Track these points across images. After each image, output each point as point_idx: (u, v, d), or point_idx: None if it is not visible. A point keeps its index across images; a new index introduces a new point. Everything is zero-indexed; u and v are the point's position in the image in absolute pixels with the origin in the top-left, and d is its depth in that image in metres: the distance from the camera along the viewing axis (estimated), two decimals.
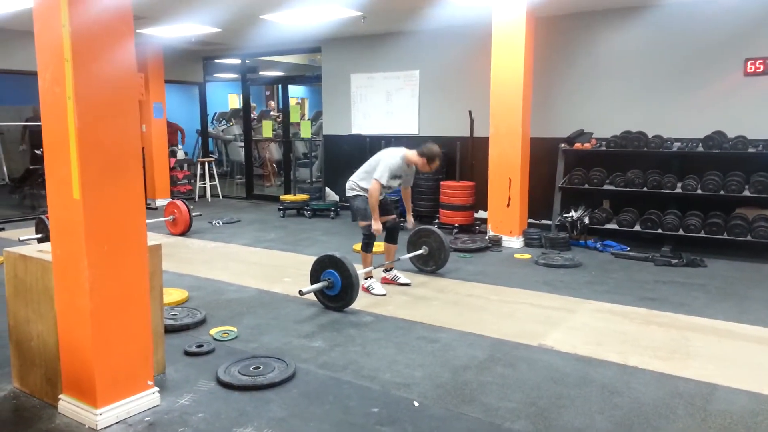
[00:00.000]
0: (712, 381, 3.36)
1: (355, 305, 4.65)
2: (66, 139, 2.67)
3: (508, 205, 6.97)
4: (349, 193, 5.18)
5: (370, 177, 4.94)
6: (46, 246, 3.16)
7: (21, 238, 6.55)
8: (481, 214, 7.77)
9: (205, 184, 10.96)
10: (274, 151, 12.68)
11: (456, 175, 7.86)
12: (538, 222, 7.48)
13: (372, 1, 6.47)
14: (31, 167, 10.02)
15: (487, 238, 7.00)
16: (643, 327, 4.25)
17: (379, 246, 5.41)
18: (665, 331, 4.17)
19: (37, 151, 9.88)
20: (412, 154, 5.00)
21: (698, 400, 3.14)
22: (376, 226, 4.90)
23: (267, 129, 10.81)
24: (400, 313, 4.58)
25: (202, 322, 4.30)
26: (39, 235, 6.52)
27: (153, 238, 3.21)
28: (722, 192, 6.11)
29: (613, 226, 6.73)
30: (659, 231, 6.41)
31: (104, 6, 2.69)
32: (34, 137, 10.25)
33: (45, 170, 2.85)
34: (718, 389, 3.27)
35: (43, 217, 6.58)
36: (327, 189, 9.47)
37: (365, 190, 4.98)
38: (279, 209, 9.20)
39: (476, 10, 6.82)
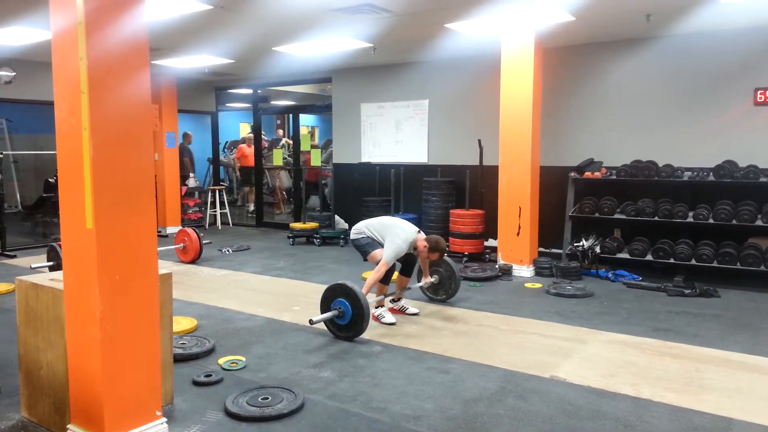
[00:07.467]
0: (728, 415, 3.29)
1: (365, 334, 4.62)
2: (81, 169, 2.70)
3: (518, 234, 6.96)
4: (353, 236, 5.30)
5: (379, 235, 5.13)
6: (58, 275, 3.18)
7: (33, 266, 6.59)
8: (491, 242, 7.75)
9: (215, 211, 11.03)
10: (285, 179, 12.76)
11: (465, 203, 7.86)
12: (548, 251, 7.44)
13: (382, 33, 6.57)
14: (44, 195, 10.13)
15: (497, 266, 6.97)
16: (656, 358, 4.19)
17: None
18: (679, 362, 4.11)
19: (50, 180, 10.01)
20: (420, 238, 5.08)
21: None
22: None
23: (278, 157, 10.91)
24: (410, 343, 4.55)
25: (210, 351, 4.28)
26: (50, 263, 6.56)
27: (163, 266, 3.22)
28: (734, 221, 6.06)
29: (624, 255, 6.68)
30: (671, 260, 6.35)
31: (121, 39, 2.75)
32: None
33: (59, 199, 2.88)
34: (735, 423, 3.20)
35: (54, 244, 6.62)
36: (337, 217, 9.49)
37: (373, 237, 5.17)
38: (288, 237, 9.22)
39: (485, 40, 6.90)
